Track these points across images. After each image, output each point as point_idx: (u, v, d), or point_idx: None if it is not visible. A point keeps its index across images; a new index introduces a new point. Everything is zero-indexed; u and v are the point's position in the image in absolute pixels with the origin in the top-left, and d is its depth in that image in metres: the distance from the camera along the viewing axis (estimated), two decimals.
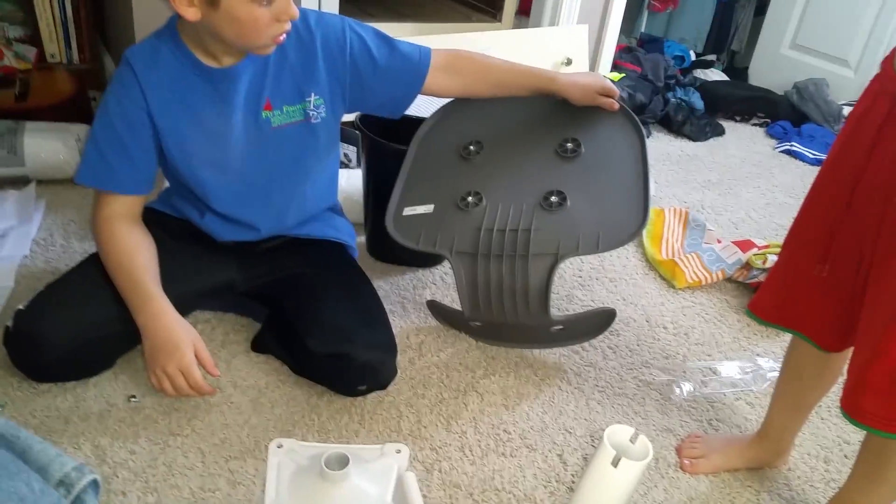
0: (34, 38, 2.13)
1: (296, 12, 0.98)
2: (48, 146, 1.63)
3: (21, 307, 1.08)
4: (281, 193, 1.17)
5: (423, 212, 1.20)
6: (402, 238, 1.19)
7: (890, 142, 0.77)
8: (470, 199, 1.16)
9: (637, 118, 1.18)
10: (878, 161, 0.79)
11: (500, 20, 2.37)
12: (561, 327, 1.17)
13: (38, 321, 1.05)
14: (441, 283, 1.50)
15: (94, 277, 1.14)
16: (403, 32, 2.12)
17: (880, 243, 0.80)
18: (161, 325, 1.03)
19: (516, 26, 2.38)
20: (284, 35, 1.00)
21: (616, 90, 1.19)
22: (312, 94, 1.10)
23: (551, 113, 1.20)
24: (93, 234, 1.13)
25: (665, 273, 1.60)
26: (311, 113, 1.11)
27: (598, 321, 1.24)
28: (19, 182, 1.63)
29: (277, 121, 1.09)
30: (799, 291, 0.93)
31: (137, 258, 1.09)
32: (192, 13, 0.94)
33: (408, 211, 1.21)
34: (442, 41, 2.04)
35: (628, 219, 1.06)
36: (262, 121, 1.09)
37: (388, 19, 2.16)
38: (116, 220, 1.10)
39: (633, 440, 0.91)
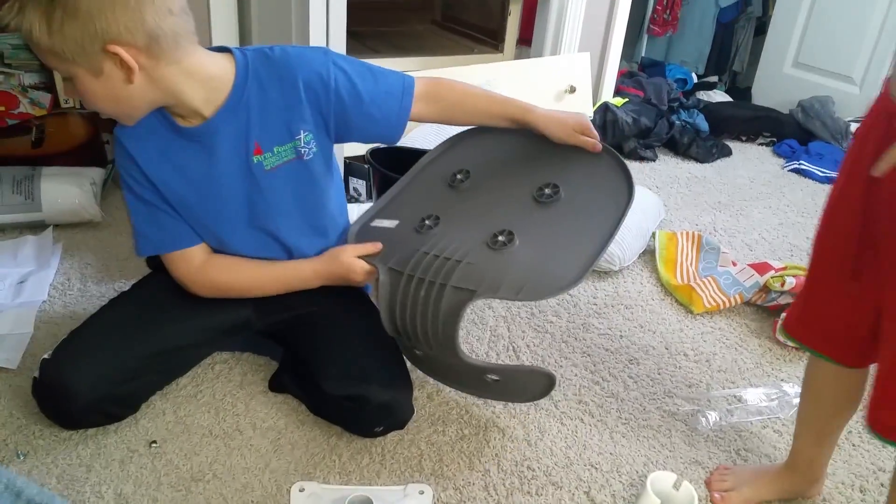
0: (49, 85, 2.14)
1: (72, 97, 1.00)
2: (64, 191, 1.63)
3: (46, 356, 1.07)
4: (291, 231, 1.16)
5: (387, 225, 1.17)
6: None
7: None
8: (427, 222, 1.13)
9: (630, 172, 1.11)
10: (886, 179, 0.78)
11: (501, 51, 2.37)
12: (496, 378, 1.10)
13: (65, 370, 1.05)
14: None
15: (117, 323, 1.15)
16: (408, 67, 2.12)
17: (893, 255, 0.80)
18: (327, 273, 1.16)
19: (518, 56, 2.38)
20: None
21: (595, 132, 1.14)
22: (301, 132, 1.07)
23: (544, 153, 1.17)
24: (202, 294, 1.15)
25: (682, 298, 1.57)
26: (302, 150, 1.09)
27: (536, 386, 1.12)
28: (37, 227, 1.63)
29: (270, 163, 1.08)
30: (825, 307, 0.92)
31: (252, 265, 1.16)
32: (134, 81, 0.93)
33: (376, 223, 1.19)
34: (446, 74, 2.04)
35: (562, 275, 0.98)
36: (254, 166, 1.07)
37: (392, 55, 2.17)
38: (205, 265, 1.13)
39: (676, 487, 0.87)
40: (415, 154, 1.31)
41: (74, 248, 1.58)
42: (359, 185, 1.91)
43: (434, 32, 2.62)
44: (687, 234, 1.79)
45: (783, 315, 0.98)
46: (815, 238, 0.93)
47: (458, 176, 1.18)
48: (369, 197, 1.88)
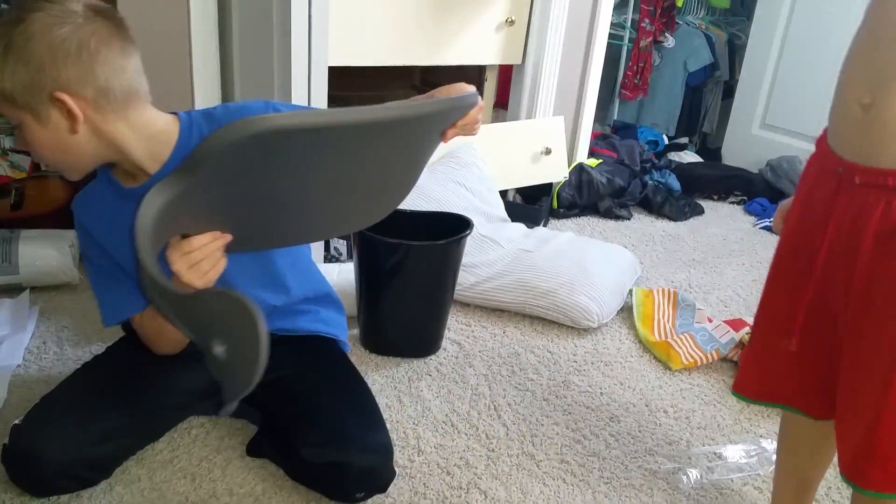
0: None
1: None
2: (42, 253, 1.62)
3: (17, 422, 1.05)
4: (244, 283, 1.14)
5: None
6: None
7: (843, 214, 0.80)
8: None
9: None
10: (834, 232, 0.82)
11: None
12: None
13: (35, 437, 1.03)
14: (437, 374, 1.47)
15: (90, 386, 1.13)
16: None
17: (850, 307, 0.81)
18: None
19: (495, 119, 2.45)
20: None
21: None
22: None
23: None
24: (166, 351, 1.13)
25: (659, 355, 1.58)
26: None
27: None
28: (13, 290, 1.61)
29: None
30: (775, 366, 0.93)
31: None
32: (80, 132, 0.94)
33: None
34: None
35: None
36: None
37: None
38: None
39: None
40: (398, 215, 1.33)
41: (52, 311, 1.57)
42: (340, 244, 1.93)
43: (411, 97, 2.68)
44: (663, 290, 1.82)
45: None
46: (761, 296, 0.94)
47: None
48: (349, 256, 1.90)
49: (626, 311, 1.78)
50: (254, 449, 1.20)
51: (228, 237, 0.94)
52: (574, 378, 1.49)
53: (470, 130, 0.99)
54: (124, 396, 1.12)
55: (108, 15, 0.93)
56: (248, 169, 0.84)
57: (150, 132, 0.99)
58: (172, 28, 1.69)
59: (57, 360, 1.40)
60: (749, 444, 1.30)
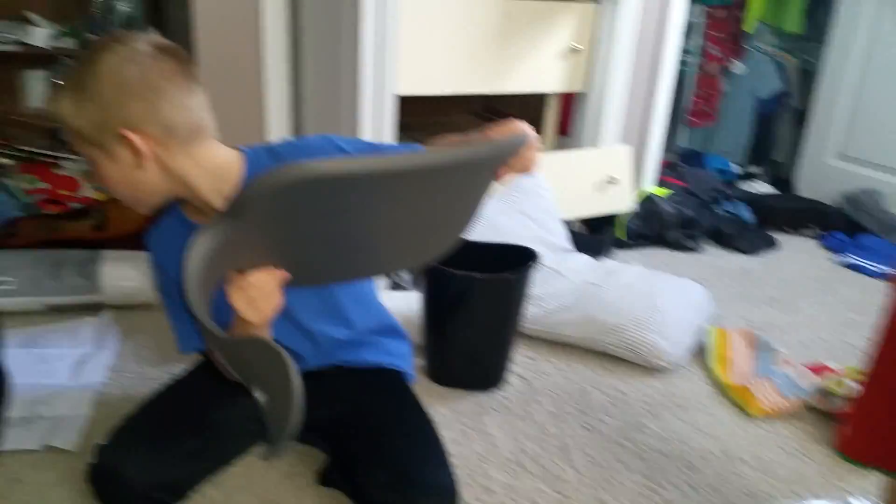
0: None
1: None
2: (123, 274, 1.68)
3: (102, 443, 1.09)
4: (313, 324, 1.17)
5: None
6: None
7: None
8: None
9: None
10: None
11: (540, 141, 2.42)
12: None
13: (119, 459, 1.07)
14: (503, 409, 1.46)
15: (170, 410, 1.16)
16: None
17: None
18: None
19: (557, 145, 2.43)
20: None
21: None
22: None
23: None
24: (214, 362, 1.15)
25: (737, 399, 1.53)
26: None
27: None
28: (96, 309, 1.67)
29: None
30: (891, 427, 0.87)
31: None
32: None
33: None
34: None
35: None
36: None
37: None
38: None
39: None
40: (464, 245, 1.33)
41: (132, 331, 1.62)
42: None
43: (473, 123, 2.70)
44: (739, 330, 1.76)
45: (840, 435, 0.93)
46: (877, 350, 0.89)
47: None
48: (415, 284, 1.90)
49: (699, 350, 1.73)
50: (324, 478, 1.20)
51: (284, 274, 0.96)
52: (647, 421, 1.46)
53: (525, 170, 0.99)
54: (204, 420, 1.15)
55: (174, 54, 0.97)
56: (294, 212, 0.85)
57: (214, 168, 1.02)
58: (247, 63, 1.74)
59: (137, 380, 1.45)
60: (836, 502, 1.23)
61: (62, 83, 0.95)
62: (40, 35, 2.03)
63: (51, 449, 1.22)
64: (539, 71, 2.12)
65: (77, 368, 1.44)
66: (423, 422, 1.21)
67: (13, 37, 2.00)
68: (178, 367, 1.47)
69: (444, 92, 2.00)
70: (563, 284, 1.82)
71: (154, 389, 1.22)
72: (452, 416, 1.42)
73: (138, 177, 0.98)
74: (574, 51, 2.13)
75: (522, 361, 1.64)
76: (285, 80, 1.86)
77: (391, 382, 1.28)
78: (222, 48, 1.76)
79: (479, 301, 1.49)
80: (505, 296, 1.49)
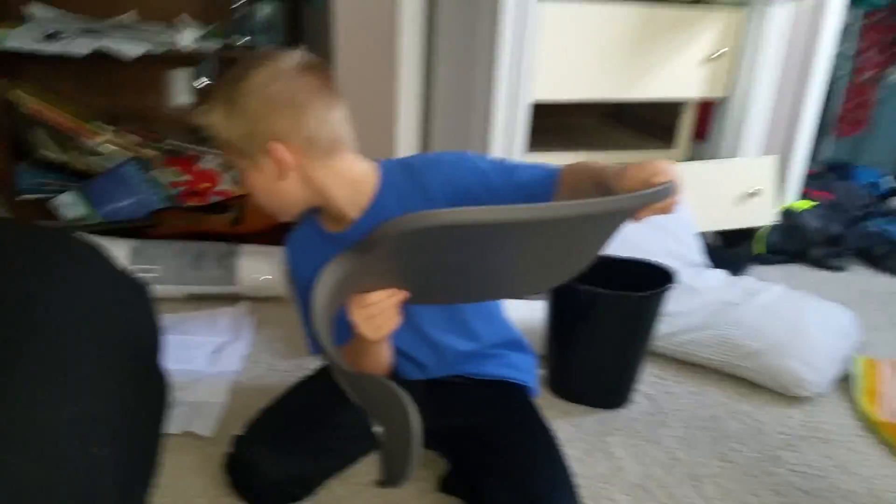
0: None
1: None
2: (258, 268, 1.77)
3: (239, 434, 1.15)
4: (438, 336, 1.18)
5: None
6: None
7: None
8: None
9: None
10: None
11: (673, 146, 2.33)
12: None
13: (255, 451, 1.13)
14: (628, 430, 1.41)
15: (303, 406, 1.22)
16: (573, 160, 2.14)
17: None
18: None
19: (692, 152, 2.33)
20: None
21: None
22: None
23: None
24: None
25: (887, 438, 1.41)
26: None
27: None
28: (232, 300, 1.77)
29: None
30: None
31: None
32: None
33: None
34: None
35: None
36: None
37: (561, 149, 2.18)
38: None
39: None
40: (606, 263, 1.29)
41: (265, 323, 1.70)
42: None
43: (602, 126, 2.63)
44: (890, 361, 1.62)
45: None
46: None
47: None
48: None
49: (844, 380, 1.61)
50: (446, 486, 1.21)
51: (404, 295, 0.98)
52: (785, 454, 1.37)
53: (665, 212, 0.92)
54: (332, 419, 1.19)
55: (317, 70, 1.02)
56: (421, 250, 0.87)
57: (350, 179, 1.06)
58: (382, 69, 1.77)
59: (269, 370, 1.52)
60: None
61: (213, 96, 1.02)
62: (187, 37, 2.17)
63: (189, 434, 1.30)
64: (677, 77, 2.04)
65: (215, 356, 1.53)
66: (547, 440, 1.19)
67: (163, 39, 2.15)
68: (307, 361, 1.53)
69: (578, 98, 1.97)
70: (696, 302, 1.74)
71: (285, 382, 1.28)
72: (575, 433, 1.39)
73: (281, 187, 1.03)
74: (716, 57, 2.04)
75: (650, 381, 1.59)
76: (418, 85, 1.89)
77: (514, 397, 1.27)
78: (358, 53, 1.81)
79: (605, 318, 1.45)
80: (634, 314, 1.45)
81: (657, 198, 0.87)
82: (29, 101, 2.06)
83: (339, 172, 1.05)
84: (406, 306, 1.11)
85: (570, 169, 1.08)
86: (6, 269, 0.93)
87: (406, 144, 1.94)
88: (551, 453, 1.16)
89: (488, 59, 1.66)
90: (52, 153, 2.12)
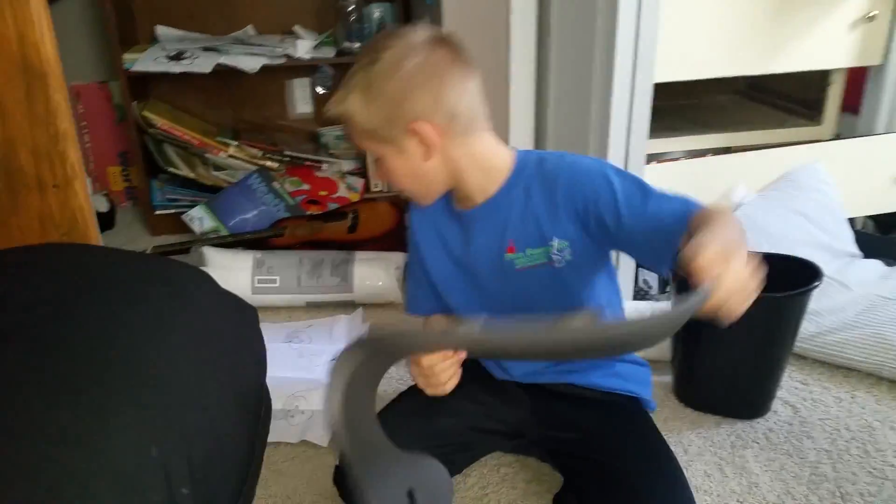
0: (362, 170, 2.46)
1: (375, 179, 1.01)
2: (373, 274, 1.83)
3: None
4: None
5: None
6: None
7: None
8: None
9: None
10: None
11: (820, 123, 2.15)
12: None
13: None
14: (766, 443, 1.33)
15: (405, 418, 1.23)
16: (708, 144, 2.02)
17: None
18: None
19: (840, 127, 2.13)
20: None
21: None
22: (555, 239, 1.07)
23: None
24: None
25: None
26: (554, 257, 1.08)
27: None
28: (347, 306, 1.84)
29: (521, 263, 1.10)
30: None
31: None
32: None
33: None
34: (751, 160, 1.90)
35: None
36: (505, 262, 1.10)
37: (691, 132, 2.08)
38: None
39: None
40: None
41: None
42: (649, 276, 1.85)
43: (738, 103, 2.46)
44: None
45: None
46: None
47: None
48: (661, 291, 1.81)
49: None
50: (559, 501, 1.19)
51: (462, 356, 0.97)
52: None
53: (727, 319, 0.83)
54: (442, 423, 1.20)
55: (448, 41, 1.01)
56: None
57: (484, 163, 1.07)
58: (494, 64, 1.75)
59: (384, 378, 1.56)
60: None
61: (348, 85, 1.00)
62: (303, 46, 2.27)
63: (305, 442, 1.37)
64: (823, 44, 1.89)
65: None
66: (667, 459, 1.13)
67: (280, 50, 2.26)
68: None
69: (706, 76, 1.88)
70: (845, 297, 1.60)
71: (397, 389, 1.31)
72: (704, 445, 1.33)
73: (425, 169, 1.04)
74: (869, 18, 1.87)
75: (792, 387, 1.48)
76: (531, 79, 1.87)
77: (629, 411, 1.22)
78: (469, 46, 1.81)
79: (741, 320, 1.36)
80: (774, 317, 1.35)
81: (691, 310, 0.73)
82: (159, 122, 2.24)
83: (475, 155, 1.05)
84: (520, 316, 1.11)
85: (705, 214, 0.95)
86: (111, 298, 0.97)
87: (519, 137, 1.93)
88: (671, 476, 1.10)
89: (606, 42, 1.60)
90: (181, 169, 2.30)
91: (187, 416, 0.85)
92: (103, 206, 2.34)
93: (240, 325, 1.15)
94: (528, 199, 1.08)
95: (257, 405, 1.14)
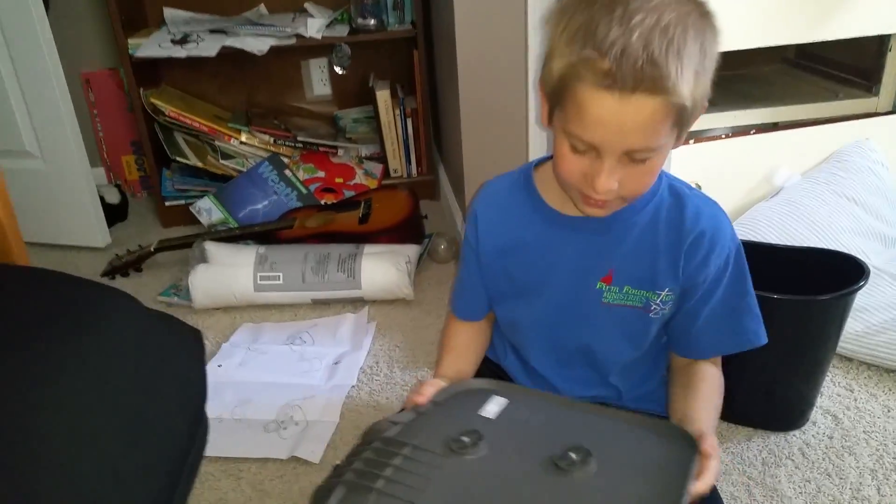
0: (381, 156, 2.39)
1: (602, 187, 0.80)
2: (382, 269, 1.76)
3: (339, 463, 1.12)
4: (589, 372, 1.04)
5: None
6: None
7: None
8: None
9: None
10: None
11: (876, 94, 1.98)
12: None
13: None
14: (801, 459, 1.23)
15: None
16: (753, 120, 1.89)
17: None
18: None
19: None
20: (591, 206, 0.86)
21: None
22: (666, 289, 0.94)
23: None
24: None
25: None
26: (653, 306, 0.95)
27: None
28: (355, 303, 1.79)
29: (611, 298, 0.95)
30: None
31: (451, 341, 1.10)
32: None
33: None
34: (797, 138, 1.77)
35: None
36: (593, 289, 0.95)
37: (733, 106, 1.93)
38: (455, 322, 1.12)
39: None
40: (763, 249, 1.11)
41: (386, 328, 1.70)
42: None
43: (785, 74, 2.30)
44: None
45: None
46: None
47: (466, 439, 0.86)
48: None
49: None
50: None
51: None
52: None
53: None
54: None
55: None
56: None
57: None
58: (509, 60, 1.64)
59: (386, 384, 1.50)
60: None
61: (672, 43, 0.74)
62: (313, 25, 2.20)
63: (296, 459, 1.30)
64: (880, 7, 1.74)
65: (332, 369, 1.54)
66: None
67: (290, 30, 2.19)
68: (426, 372, 1.50)
69: (747, 46, 1.74)
70: (895, 292, 1.48)
71: (401, 397, 1.29)
72: (733, 463, 1.23)
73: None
74: None
75: (834, 393, 1.37)
76: None
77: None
78: (485, 53, 1.69)
79: (777, 325, 1.25)
80: (814, 320, 1.24)
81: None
82: (168, 109, 2.20)
83: None
84: (573, 353, 1.04)
85: (689, 382, 0.98)
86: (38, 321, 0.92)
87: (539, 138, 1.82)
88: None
89: None
90: (189, 159, 2.26)
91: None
92: (114, 198, 2.33)
93: (163, 349, 1.06)
94: (653, 231, 0.93)
95: (177, 438, 1.04)
